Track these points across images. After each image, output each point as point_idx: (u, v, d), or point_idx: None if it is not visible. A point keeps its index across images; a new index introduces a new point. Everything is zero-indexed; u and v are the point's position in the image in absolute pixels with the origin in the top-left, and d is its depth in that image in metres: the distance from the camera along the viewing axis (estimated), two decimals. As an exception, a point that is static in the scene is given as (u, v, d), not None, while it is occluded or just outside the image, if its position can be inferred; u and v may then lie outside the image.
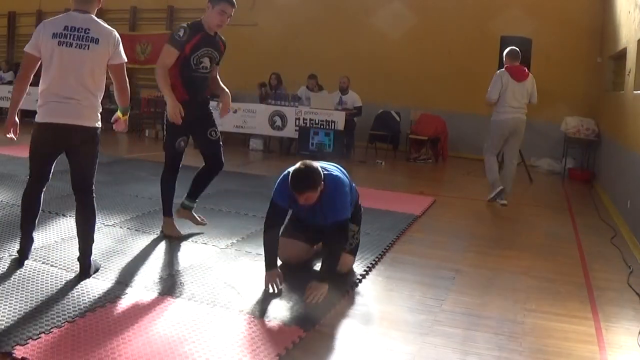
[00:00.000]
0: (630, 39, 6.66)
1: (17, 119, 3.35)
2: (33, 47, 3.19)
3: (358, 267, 3.82)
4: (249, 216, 5.00)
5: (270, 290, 3.32)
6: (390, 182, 7.54)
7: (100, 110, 3.31)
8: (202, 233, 4.36)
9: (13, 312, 2.74)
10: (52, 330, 2.60)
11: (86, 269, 3.29)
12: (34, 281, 3.14)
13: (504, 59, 6.46)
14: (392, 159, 9.82)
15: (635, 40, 6.24)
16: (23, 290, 3.01)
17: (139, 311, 2.91)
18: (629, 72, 6.48)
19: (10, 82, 11.14)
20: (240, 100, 10.12)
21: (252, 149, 9.99)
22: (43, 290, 3.03)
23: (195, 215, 4.43)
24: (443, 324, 3.07)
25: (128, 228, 4.38)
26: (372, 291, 3.54)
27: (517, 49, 6.47)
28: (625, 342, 3.03)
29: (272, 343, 2.66)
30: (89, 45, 3.15)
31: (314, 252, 3.93)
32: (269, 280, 3.38)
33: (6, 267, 3.31)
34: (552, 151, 9.65)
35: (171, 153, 4.16)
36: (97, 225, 3.88)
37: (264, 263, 3.44)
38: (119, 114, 3.48)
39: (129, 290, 3.15)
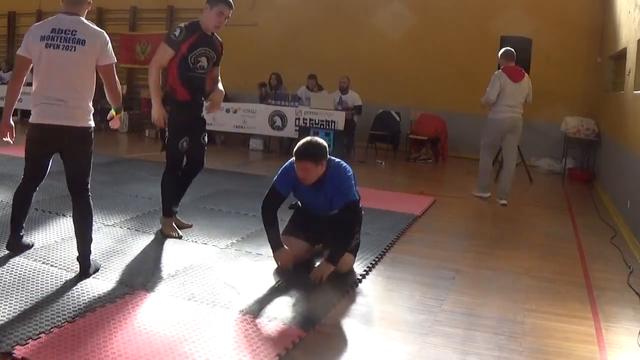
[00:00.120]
0: (630, 39, 6.66)
1: (12, 121, 3.40)
2: (24, 50, 3.26)
3: (358, 267, 3.82)
4: (249, 216, 4.99)
5: (285, 268, 3.49)
6: (390, 182, 7.54)
7: (92, 110, 3.33)
8: (202, 233, 4.36)
9: (13, 312, 2.74)
10: (52, 330, 2.60)
11: (85, 268, 3.30)
12: (34, 281, 3.14)
13: (500, 60, 6.57)
14: (392, 159, 9.82)
15: (635, 40, 6.24)
16: (23, 290, 3.01)
17: (139, 311, 2.91)
18: (629, 72, 6.48)
19: (10, 82, 11.14)
20: (240, 100, 10.13)
21: (252, 149, 9.99)
22: (43, 290, 3.03)
23: (180, 218, 4.44)
24: (443, 324, 3.07)
25: (128, 228, 4.38)
26: (372, 291, 3.54)
27: (512, 49, 6.57)
28: (625, 342, 3.03)
29: (272, 343, 2.66)
30: (75, 47, 3.18)
31: (314, 252, 3.94)
32: (279, 258, 3.54)
33: (6, 267, 3.31)
34: (552, 151, 9.65)
35: (174, 154, 4.16)
36: (97, 225, 3.88)
37: (269, 244, 3.61)
38: (112, 112, 3.54)
39: (129, 290, 3.15)
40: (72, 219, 3.39)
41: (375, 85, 10.45)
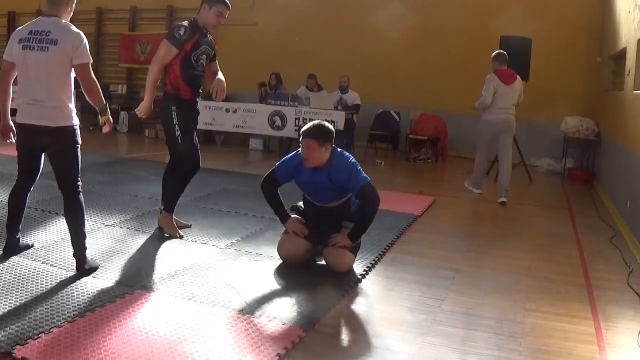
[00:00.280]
0: (630, 39, 6.66)
1: (11, 122, 3.41)
2: (8, 54, 3.32)
3: (358, 267, 3.82)
4: (249, 216, 4.99)
5: (298, 234, 3.65)
6: (390, 182, 7.53)
7: (73, 110, 3.32)
8: (202, 233, 4.36)
9: (13, 312, 2.74)
10: (52, 330, 2.60)
11: (81, 265, 3.33)
12: (34, 281, 3.15)
13: (492, 63, 6.70)
14: (392, 159, 9.82)
15: (635, 40, 6.24)
16: (23, 290, 3.01)
17: (139, 311, 2.91)
18: (629, 72, 6.48)
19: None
20: (240, 100, 10.12)
21: (252, 149, 9.98)
22: (43, 290, 3.03)
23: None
24: (443, 324, 3.07)
25: (128, 228, 4.38)
26: (372, 291, 3.54)
27: (505, 52, 6.75)
28: (625, 342, 3.03)
29: (272, 343, 2.66)
30: (48, 47, 3.19)
31: (315, 252, 3.93)
32: (291, 227, 3.68)
33: (6, 267, 3.32)
34: (552, 151, 9.65)
35: (188, 150, 4.16)
36: (97, 225, 3.88)
37: (278, 218, 3.81)
38: (100, 117, 3.48)
39: (128, 290, 3.15)
40: (64, 217, 3.41)
41: (375, 85, 10.45)
